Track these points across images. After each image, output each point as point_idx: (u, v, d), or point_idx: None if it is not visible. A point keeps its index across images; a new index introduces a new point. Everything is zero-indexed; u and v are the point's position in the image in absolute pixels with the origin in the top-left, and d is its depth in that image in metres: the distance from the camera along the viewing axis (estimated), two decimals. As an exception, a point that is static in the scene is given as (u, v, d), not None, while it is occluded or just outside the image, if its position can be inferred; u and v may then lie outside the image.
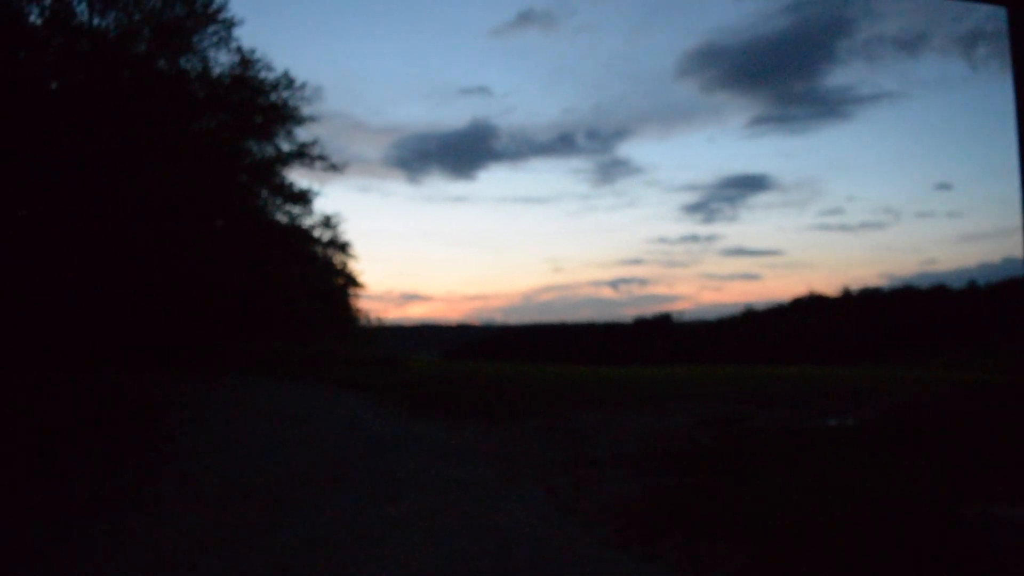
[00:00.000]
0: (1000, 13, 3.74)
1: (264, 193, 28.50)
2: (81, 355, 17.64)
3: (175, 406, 12.05)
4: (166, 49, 22.47)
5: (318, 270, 31.95)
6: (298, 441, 9.13)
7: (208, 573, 4.49)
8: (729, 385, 14.98)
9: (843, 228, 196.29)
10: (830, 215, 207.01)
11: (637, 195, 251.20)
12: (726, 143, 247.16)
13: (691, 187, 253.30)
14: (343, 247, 33.00)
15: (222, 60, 24.85)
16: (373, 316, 36.70)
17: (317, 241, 31.99)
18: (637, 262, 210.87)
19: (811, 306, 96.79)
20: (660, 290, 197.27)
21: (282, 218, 29.35)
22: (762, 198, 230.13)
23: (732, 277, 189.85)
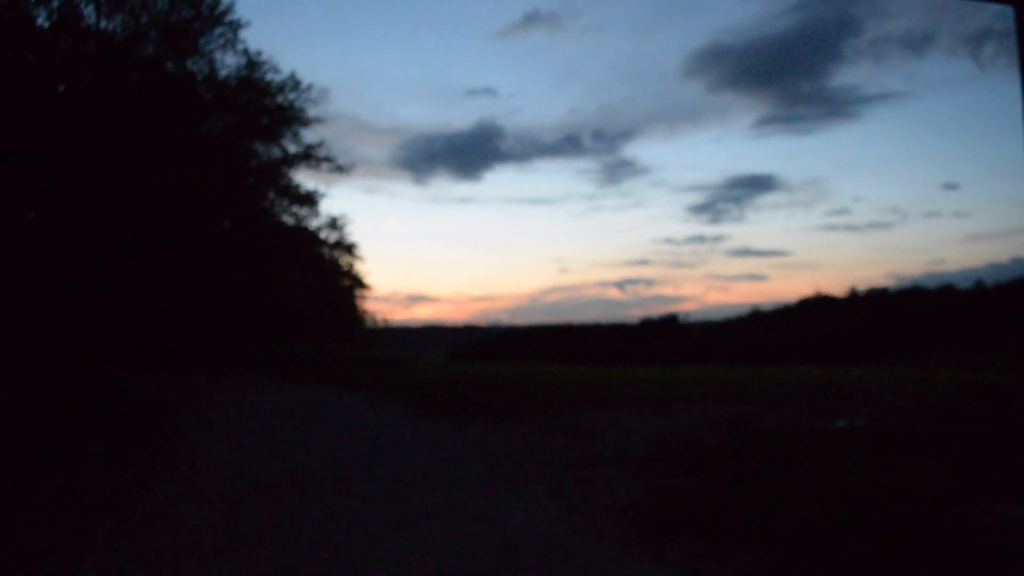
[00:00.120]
0: (1007, 12, 3.73)
1: (271, 195, 28.62)
2: (83, 355, 17.70)
3: (181, 406, 12.09)
4: (173, 51, 22.58)
5: (325, 271, 32.04)
6: (304, 441, 9.15)
7: (213, 573, 4.51)
8: (736, 386, 14.94)
9: (850, 228, 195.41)
10: (837, 215, 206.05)
11: (643, 196, 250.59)
12: (732, 143, 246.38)
13: (697, 187, 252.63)
14: (349, 248, 33.10)
15: (229, 62, 24.98)
16: (379, 317, 36.82)
17: (324, 242, 32.09)
18: (643, 263, 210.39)
19: (818, 307, 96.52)
20: (666, 291, 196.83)
21: (288, 219, 29.47)
22: (769, 198, 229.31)
23: (739, 278, 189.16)
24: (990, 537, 4.68)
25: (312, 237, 31.01)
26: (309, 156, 28.00)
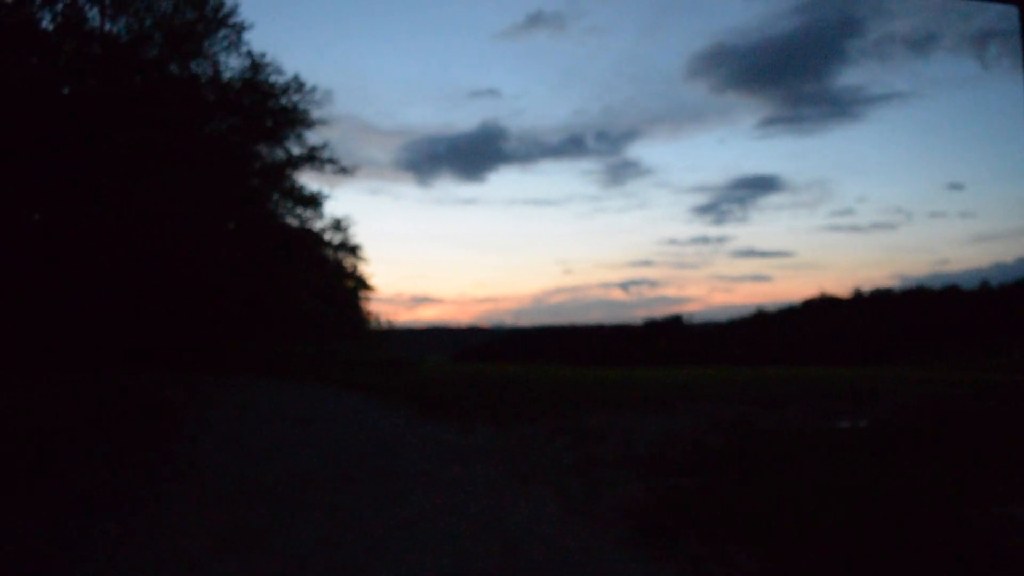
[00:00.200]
0: (1011, 12, 3.72)
1: (275, 196, 28.65)
2: (86, 356, 17.73)
3: (183, 407, 12.11)
4: (177, 53, 22.64)
5: (329, 273, 32.08)
6: (308, 442, 9.16)
7: (215, 574, 4.51)
8: (740, 387, 14.93)
9: (854, 229, 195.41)
10: (841, 216, 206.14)
11: (647, 197, 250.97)
12: (736, 144, 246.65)
13: (701, 188, 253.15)
14: (353, 250, 33.15)
15: (232, 64, 25.09)
16: (383, 319, 36.86)
17: (328, 244, 32.14)
18: (647, 264, 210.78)
19: (822, 307, 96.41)
20: (670, 292, 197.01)
21: (293, 221, 29.50)
22: (772, 199, 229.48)
23: (742, 278, 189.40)
24: (992, 537, 4.67)
25: (316, 239, 31.06)
26: (313, 158, 28.03)
